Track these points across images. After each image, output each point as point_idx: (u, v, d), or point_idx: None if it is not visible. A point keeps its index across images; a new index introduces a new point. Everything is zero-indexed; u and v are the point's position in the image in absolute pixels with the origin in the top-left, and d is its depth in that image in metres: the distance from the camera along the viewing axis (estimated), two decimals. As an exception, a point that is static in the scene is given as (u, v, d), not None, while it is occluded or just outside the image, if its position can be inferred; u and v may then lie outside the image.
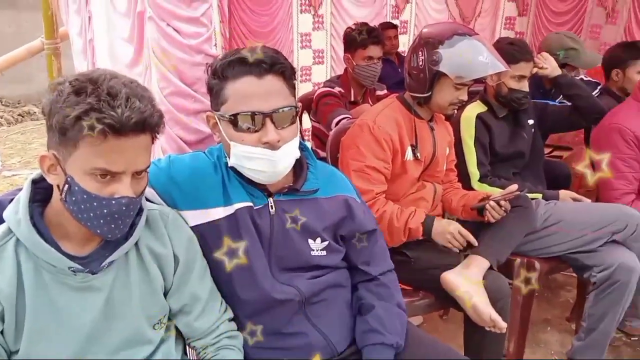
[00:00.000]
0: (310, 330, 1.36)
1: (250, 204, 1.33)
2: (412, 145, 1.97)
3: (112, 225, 1.07)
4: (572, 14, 4.99)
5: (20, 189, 1.25)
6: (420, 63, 1.91)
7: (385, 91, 3.03)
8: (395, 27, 4.14)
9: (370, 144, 1.89)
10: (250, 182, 1.34)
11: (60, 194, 1.08)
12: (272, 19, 3.88)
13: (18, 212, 1.10)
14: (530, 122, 2.49)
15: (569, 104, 2.64)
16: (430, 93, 1.92)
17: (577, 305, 2.67)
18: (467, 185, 2.29)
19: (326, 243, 1.40)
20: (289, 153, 1.28)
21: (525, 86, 2.34)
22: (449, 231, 1.86)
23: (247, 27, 3.63)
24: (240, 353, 1.32)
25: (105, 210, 1.05)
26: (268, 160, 1.25)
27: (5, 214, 1.12)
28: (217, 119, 1.30)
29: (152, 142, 1.12)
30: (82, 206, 1.05)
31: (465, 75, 1.86)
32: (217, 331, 1.31)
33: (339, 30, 4.17)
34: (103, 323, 1.14)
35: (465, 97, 1.94)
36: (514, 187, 1.97)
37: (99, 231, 1.08)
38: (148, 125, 1.05)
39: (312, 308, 1.38)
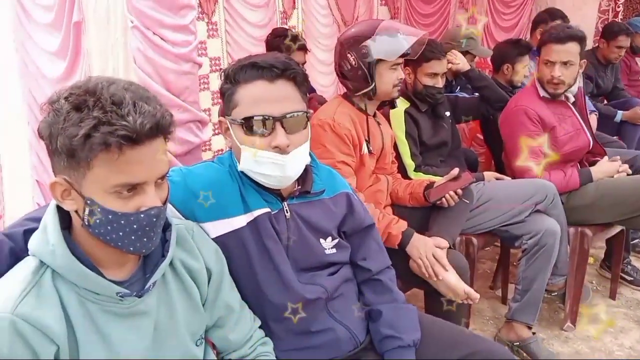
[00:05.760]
0: (335, 325, 1.39)
1: (268, 209, 1.33)
2: (366, 140, 2.07)
3: (145, 239, 1.01)
4: (437, 15, 5.51)
5: (27, 219, 1.14)
6: (354, 63, 2.05)
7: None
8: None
9: (334, 141, 1.97)
10: (264, 187, 1.34)
11: (82, 220, 0.99)
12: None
13: (49, 242, 1.00)
14: (447, 113, 2.74)
15: (467, 95, 2.96)
16: (374, 84, 2.04)
17: (496, 274, 2.99)
18: (405, 176, 2.46)
19: (336, 241, 1.44)
20: (299, 158, 1.29)
21: (438, 82, 2.56)
22: (423, 248, 1.87)
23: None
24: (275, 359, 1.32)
25: (135, 226, 0.98)
26: (276, 165, 1.26)
27: (32, 247, 1.01)
28: (228, 123, 1.29)
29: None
30: (109, 227, 0.98)
31: (395, 51, 2.01)
32: (251, 340, 1.30)
33: (234, 36, 4.17)
34: (155, 348, 1.08)
35: (402, 75, 2.11)
36: (456, 171, 2.16)
37: (132, 249, 1.01)
38: (162, 127, 0.98)
39: (332, 303, 1.41)
